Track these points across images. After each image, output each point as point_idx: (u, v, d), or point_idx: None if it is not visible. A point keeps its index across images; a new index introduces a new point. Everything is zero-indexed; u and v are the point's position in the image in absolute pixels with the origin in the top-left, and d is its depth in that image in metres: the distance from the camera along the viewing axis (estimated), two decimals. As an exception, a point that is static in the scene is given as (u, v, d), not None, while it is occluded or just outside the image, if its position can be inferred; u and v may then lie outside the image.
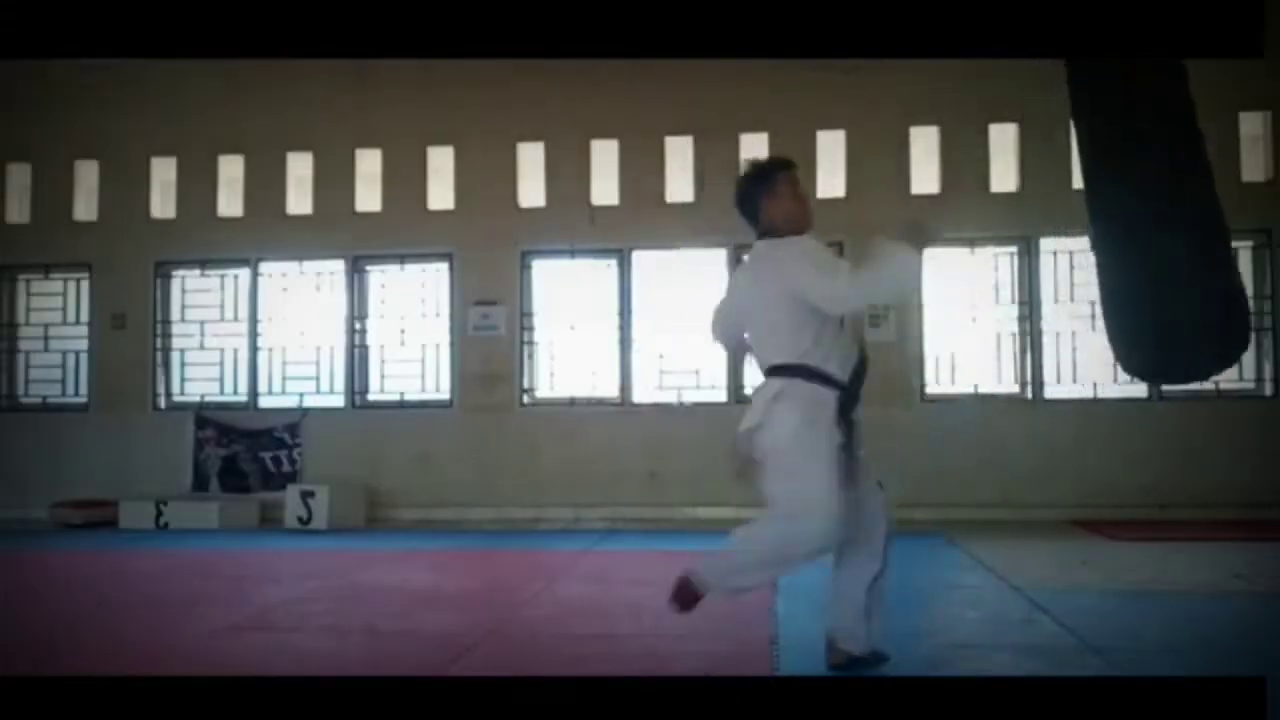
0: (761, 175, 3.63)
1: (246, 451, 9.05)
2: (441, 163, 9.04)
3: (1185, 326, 3.79)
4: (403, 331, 9.13)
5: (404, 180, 9.00)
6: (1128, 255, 3.93)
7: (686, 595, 3.49)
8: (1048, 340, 8.39)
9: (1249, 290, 8.01)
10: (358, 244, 9.05)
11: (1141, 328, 3.93)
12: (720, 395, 8.55)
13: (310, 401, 9.17)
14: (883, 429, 8.00)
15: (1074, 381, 8.34)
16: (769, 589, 4.76)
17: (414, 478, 8.81)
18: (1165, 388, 8.13)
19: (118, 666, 3.74)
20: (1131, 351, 4.10)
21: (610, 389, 8.80)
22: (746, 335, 3.70)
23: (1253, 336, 8.00)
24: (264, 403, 9.22)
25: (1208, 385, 8.14)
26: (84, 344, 9.43)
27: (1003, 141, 8.43)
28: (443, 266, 9.01)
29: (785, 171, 3.63)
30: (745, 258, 3.82)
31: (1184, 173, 3.85)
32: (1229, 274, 3.93)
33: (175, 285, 9.45)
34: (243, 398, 9.25)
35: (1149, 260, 3.84)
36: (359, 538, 7.82)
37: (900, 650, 3.62)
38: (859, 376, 3.47)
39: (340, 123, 9.06)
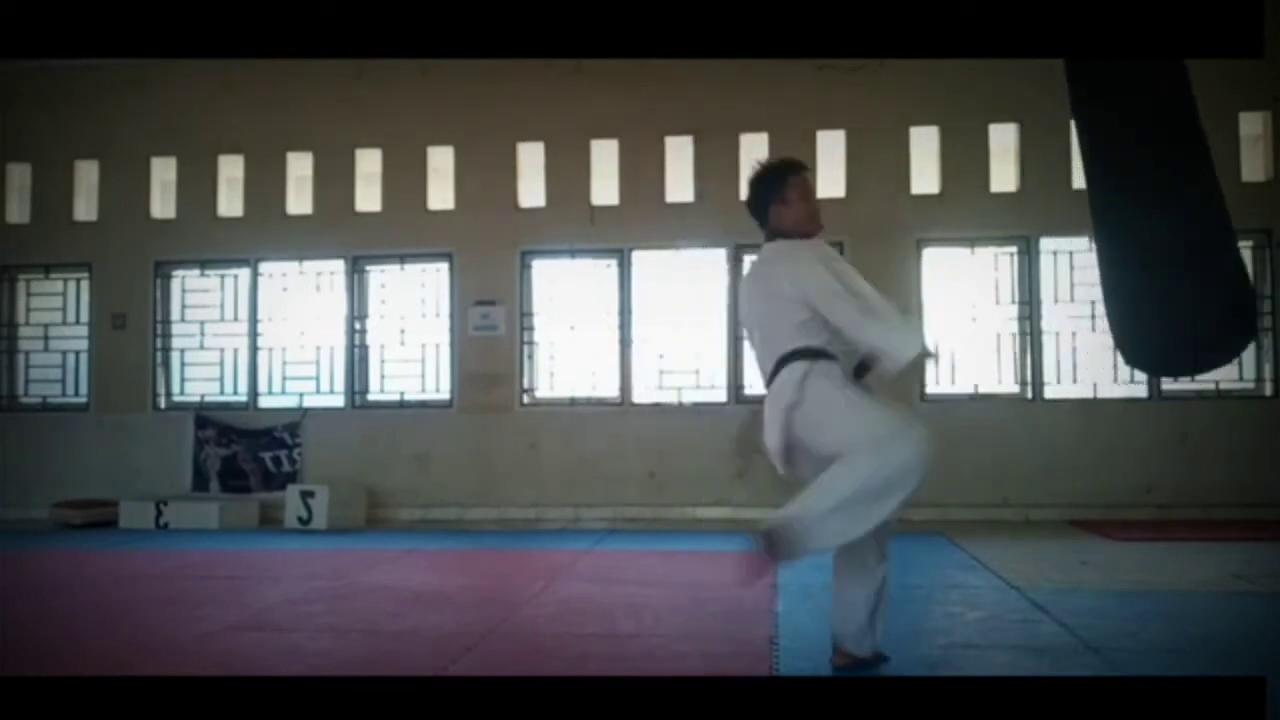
0: (771, 178, 3.60)
1: (246, 451, 9.05)
2: (441, 163, 9.04)
3: (1188, 321, 3.80)
4: (403, 331, 9.13)
5: (404, 180, 9.00)
6: (1129, 251, 3.94)
7: (768, 553, 3.20)
8: (1048, 340, 8.38)
9: (1249, 290, 8.18)
10: (358, 244, 9.05)
11: (1144, 322, 3.94)
12: (720, 395, 8.54)
13: (310, 401, 9.16)
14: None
15: (1074, 381, 8.33)
16: (769, 589, 4.79)
17: (414, 478, 8.82)
18: (1165, 387, 8.14)
19: (118, 666, 3.74)
20: (1135, 345, 4.11)
21: (610, 389, 8.80)
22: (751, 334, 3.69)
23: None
24: (264, 403, 9.22)
25: (1208, 385, 8.15)
26: (84, 344, 9.44)
27: (1003, 141, 8.43)
28: (443, 266, 9.01)
29: (796, 175, 3.60)
30: (750, 259, 3.79)
31: (1186, 167, 3.85)
32: (1233, 269, 3.92)
33: (175, 285, 9.45)
34: (243, 398, 9.25)
35: (1151, 256, 3.85)
36: (359, 538, 7.81)
37: (900, 650, 3.62)
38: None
39: (340, 123, 9.05)
